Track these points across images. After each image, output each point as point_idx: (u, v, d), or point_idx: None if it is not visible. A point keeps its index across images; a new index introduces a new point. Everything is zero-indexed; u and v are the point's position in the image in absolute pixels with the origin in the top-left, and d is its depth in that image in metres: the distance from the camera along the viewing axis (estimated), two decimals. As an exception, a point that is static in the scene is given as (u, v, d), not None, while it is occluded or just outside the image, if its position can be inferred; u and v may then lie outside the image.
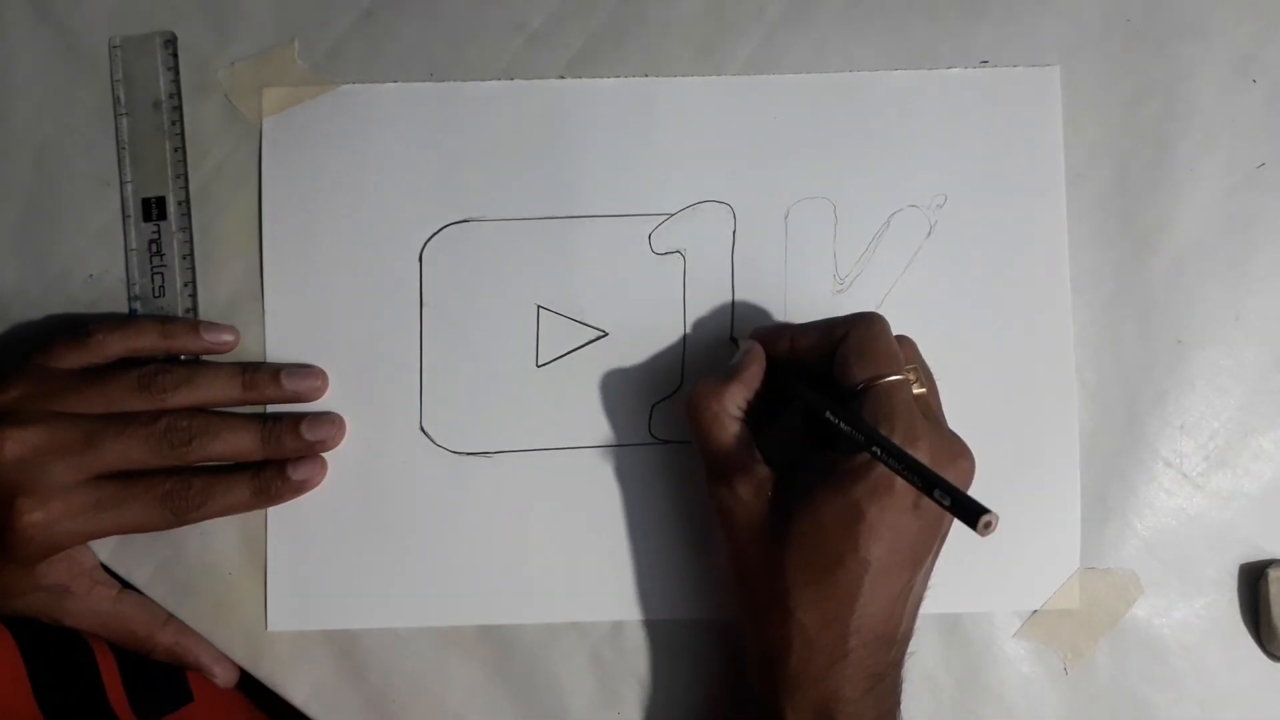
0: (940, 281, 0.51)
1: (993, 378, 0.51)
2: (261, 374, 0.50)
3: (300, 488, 0.50)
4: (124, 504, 0.47)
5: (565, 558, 0.51)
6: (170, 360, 0.50)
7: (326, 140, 0.52)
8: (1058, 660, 0.51)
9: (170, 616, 0.50)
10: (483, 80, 0.52)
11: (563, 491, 0.51)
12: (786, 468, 0.45)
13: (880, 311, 0.50)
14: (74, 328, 0.49)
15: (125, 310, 0.52)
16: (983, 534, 0.36)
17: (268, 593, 0.51)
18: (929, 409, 0.46)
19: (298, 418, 0.50)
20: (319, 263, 0.51)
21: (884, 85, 0.52)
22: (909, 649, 0.46)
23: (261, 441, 0.49)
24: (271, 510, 0.51)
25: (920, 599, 0.46)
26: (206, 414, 0.48)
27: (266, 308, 0.51)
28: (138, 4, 0.52)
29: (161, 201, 0.52)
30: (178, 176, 0.52)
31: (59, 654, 0.49)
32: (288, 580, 0.51)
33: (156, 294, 0.52)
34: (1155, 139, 0.52)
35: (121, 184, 0.52)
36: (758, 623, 0.45)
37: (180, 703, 0.51)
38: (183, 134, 0.52)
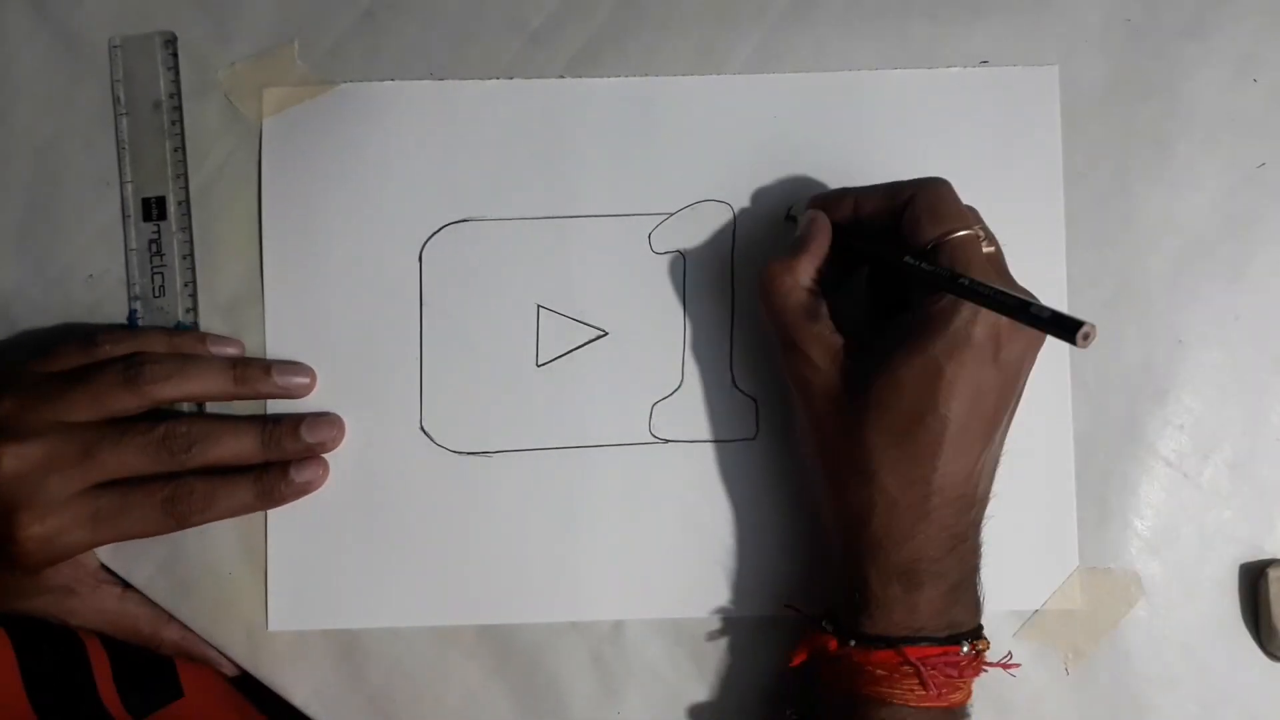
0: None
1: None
2: (252, 368, 0.50)
3: (303, 489, 0.50)
4: (124, 513, 0.46)
5: (565, 558, 0.51)
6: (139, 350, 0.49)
7: (326, 140, 0.52)
8: (1059, 660, 0.51)
9: None
10: (483, 80, 0.52)
11: (563, 491, 0.51)
12: (859, 333, 0.46)
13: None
14: (73, 334, 0.49)
15: (125, 311, 0.52)
16: (1081, 345, 0.36)
17: (268, 593, 0.51)
18: (1001, 268, 0.46)
19: (297, 419, 0.50)
20: (319, 262, 0.51)
21: (883, 84, 0.52)
22: (987, 512, 0.46)
23: (261, 444, 0.49)
24: (271, 510, 0.51)
25: (998, 460, 0.46)
26: (205, 418, 0.48)
27: (266, 307, 0.51)
28: (138, 4, 0.52)
29: (161, 201, 0.52)
30: (178, 176, 0.52)
31: (51, 650, 0.49)
32: (288, 580, 0.51)
33: (156, 294, 0.52)
34: (1155, 139, 0.52)
35: (121, 184, 0.52)
36: (840, 489, 0.45)
37: (170, 698, 0.51)
38: (183, 134, 0.52)
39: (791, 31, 0.52)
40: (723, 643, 0.51)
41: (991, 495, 0.46)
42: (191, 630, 0.51)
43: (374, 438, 0.51)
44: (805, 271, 0.46)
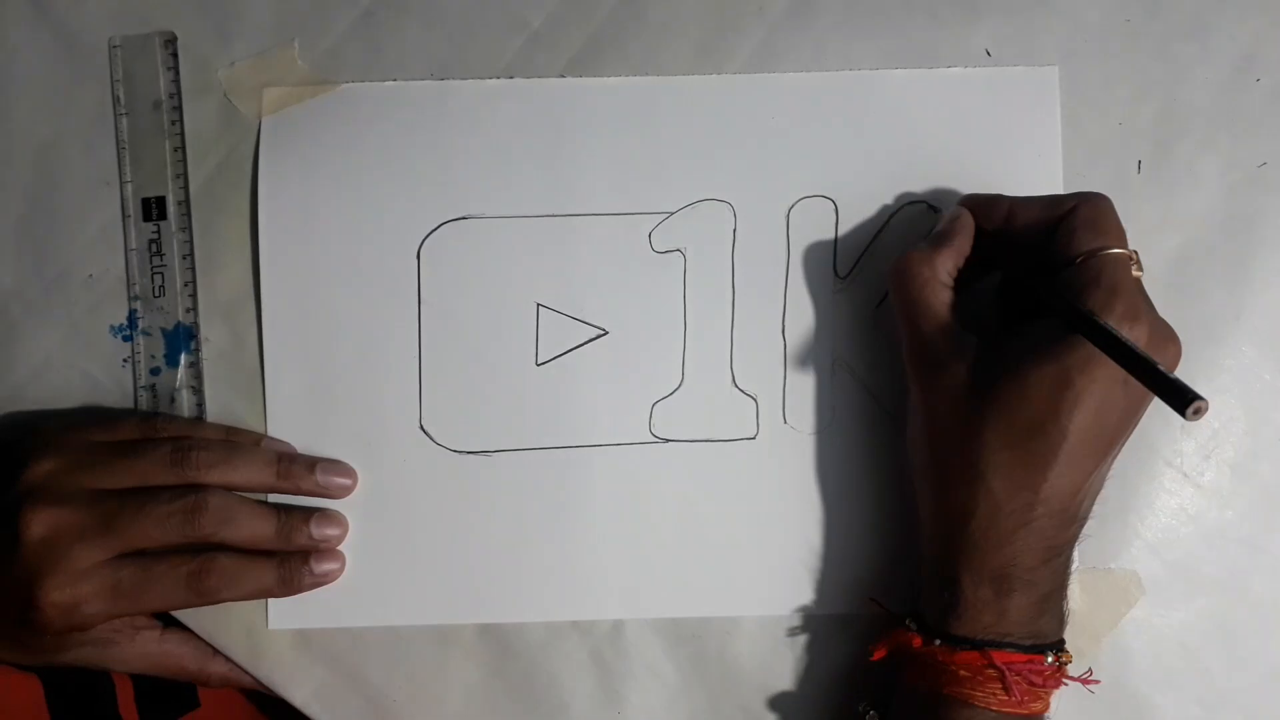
0: (940, 280, 0.51)
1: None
2: (297, 464, 0.50)
3: (322, 580, 0.50)
4: (146, 587, 0.46)
5: (565, 557, 0.51)
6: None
7: (326, 139, 0.52)
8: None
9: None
10: (483, 79, 0.52)
11: (563, 490, 0.51)
12: (991, 333, 0.46)
13: (882, 312, 0.51)
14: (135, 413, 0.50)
15: (126, 311, 0.52)
16: (1190, 419, 0.37)
17: (268, 591, 0.51)
18: (1145, 293, 0.46)
19: (307, 513, 0.50)
20: (317, 261, 0.51)
21: (884, 84, 0.52)
22: (1084, 533, 0.46)
23: (276, 533, 0.49)
24: (271, 510, 0.51)
25: (1101, 485, 0.46)
26: (229, 498, 0.48)
27: (264, 306, 0.51)
28: (138, 4, 0.52)
29: (161, 201, 0.52)
30: (178, 176, 0.52)
31: (75, 671, 0.49)
32: (288, 579, 0.51)
33: (156, 294, 0.52)
34: (1155, 139, 0.52)
35: (121, 184, 0.52)
36: (944, 485, 0.45)
37: (187, 708, 0.52)
38: (183, 134, 0.52)
39: (791, 31, 0.52)
40: (723, 643, 0.51)
41: (1091, 516, 0.46)
42: (236, 664, 0.51)
43: (373, 437, 0.51)
44: (944, 266, 0.46)
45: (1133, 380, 0.42)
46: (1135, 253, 0.45)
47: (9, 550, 0.45)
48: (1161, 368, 0.39)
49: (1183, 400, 0.37)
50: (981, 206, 0.48)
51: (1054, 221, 0.46)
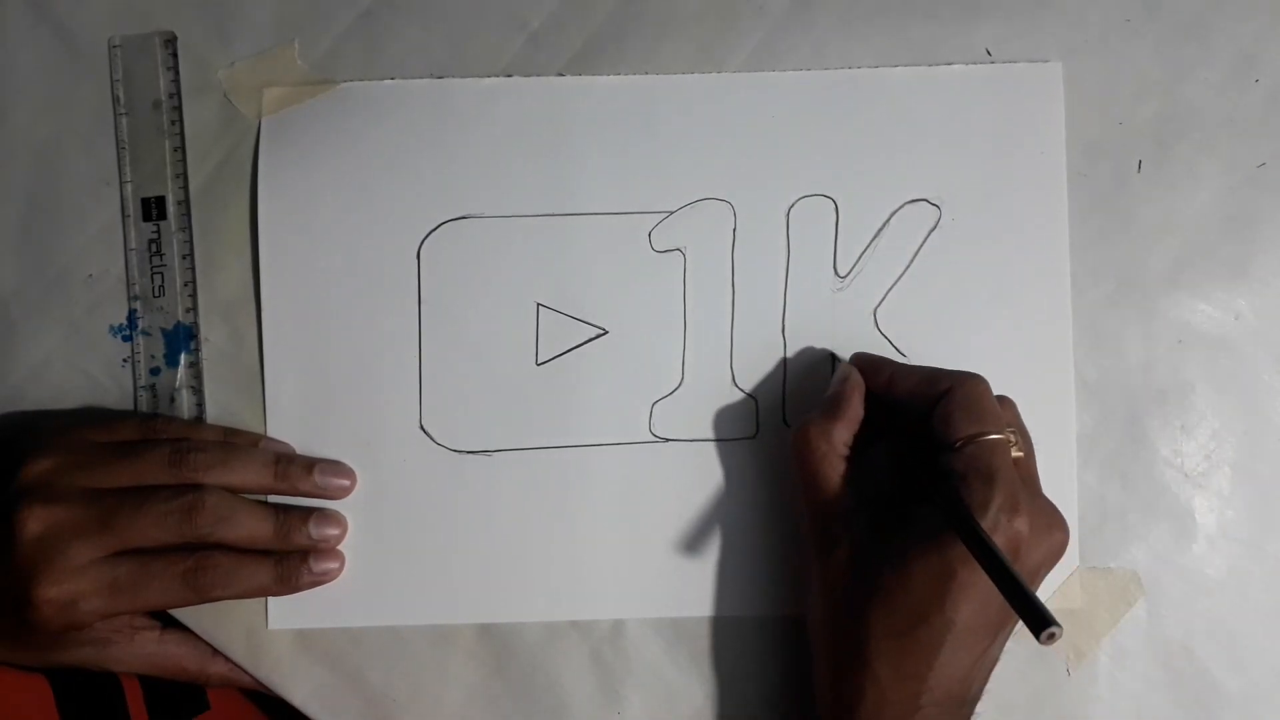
0: (941, 279, 0.51)
1: (991, 376, 0.51)
2: (295, 466, 0.50)
3: (320, 579, 0.50)
4: (143, 584, 0.46)
5: (565, 557, 0.51)
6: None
7: (326, 139, 0.52)
8: (1059, 660, 0.51)
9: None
10: (482, 78, 0.52)
11: (563, 490, 0.51)
12: (880, 510, 0.46)
13: (882, 311, 0.51)
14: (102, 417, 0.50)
15: (125, 311, 0.52)
16: (1044, 643, 0.38)
17: (268, 591, 0.51)
18: (1028, 474, 0.46)
19: (306, 513, 0.50)
20: (317, 260, 0.51)
21: (885, 82, 0.52)
22: (977, 709, 0.46)
23: (274, 532, 0.49)
24: (271, 510, 0.51)
25: (995, 661, 0.46)
26: (227, 497, 0.48)
27: (264, 306, 0.51)
28: (138, 4, 0.52)
29: (161, 201, 0.52)
30: (178, 176, 0.52)
31: (85, 677, 0.49)
32: (287, 579, 0.51)
33: (156, 294, 0.52)
34: (1155, 139, 0.52)
35: (121, 184, 0.52)
36: (833, 669, 0.45)
37: (197, 710, 0.52)
38: (183, 134, 0.52)
39: (791, 31, 0.52)
40: (723, 643, 0.51)
41: (984, 694, 0.46)
42: (236, 664, 0.51)
43: (373, 437, 0.51)
44: (841, 437, 0.47)
45: (1018, 565, 0.42)
46: (1013, 433, 0.45)
47: (5, 548, 0.45)
48: (1024, 583, 0.39)
49: (1038, 623, 0.38)
50: (868, 368, 0.48)
51: (931, 400, 0.46)
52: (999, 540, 0.42)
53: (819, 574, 0.46)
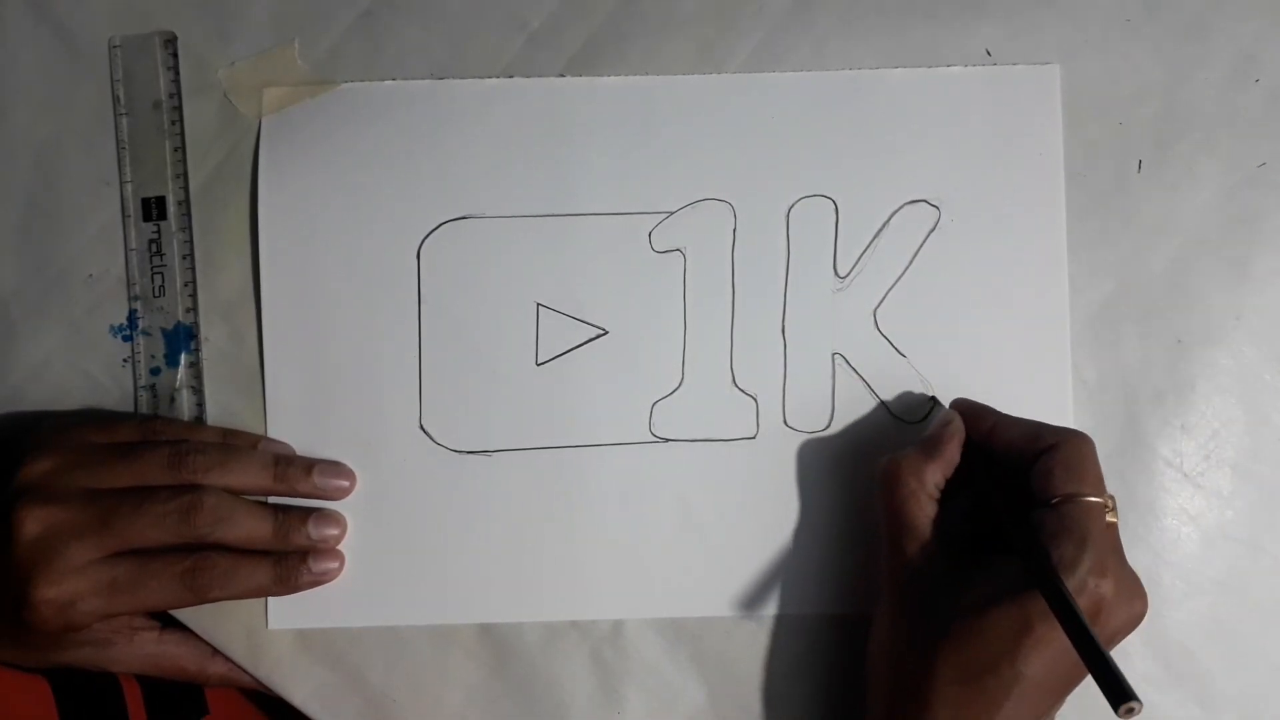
0: (940, 279, 0.51)
1: (991, 376, 0.51)
2: (295, 468, 0.50)
3: (319, 579, 0.50)
4: (142, 583, 0.46)
5: (565, 557, 0.51)
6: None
7: (326, 139, 0.52)
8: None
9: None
10: (482, 79, 0.52)
11: (563, 490, 0.51)
12: (960, 556, 0.45)
13: (882, 312, 0.51)
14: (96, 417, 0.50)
15: (126, 311, 0.52)
16: (1121, 716, 0.37)
17: (268, 591, 0.51)
18: (1117, 543, 0.46)
19: (305, 513, 0.50)
20: (317, 261, 0.51)
21: (884, 83, 0.52)
22: None
23: (274, 533, 0.49)
24: (271, 510, 0.51)
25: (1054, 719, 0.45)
26: (225, 497, 0.48)
27: (264, 306, 0.51)
28: (138, 4, 0.52)
29: (161, 201, 0.52)
30: (178, 176, 0.52)
31: (86, 681, 0.49)
32: (287, 579, 0.51)
33: (156, 294, 0.52)
34: (1155, 139, 0.52)
35: (121, 184, 0.52)
36: (891, 704, 0.45)
37: (197, 714, 0.52)
38: (183, 134, 0.52)
39: (791, 31, 0.52)
40: (723, 643, 0.51)
41: None
42: (235, 663, 0.51)
43: (373, 437, 0.51)
44: (933, 478, 0.46)
45: (1097, 626, 0.42)
46: (1112, 498, 0.45)
47: (4, 548, 0.45)
48: (1103, 649, 0.39)
49: (1119, 696, 0.37)
50: (970, 415, 0.48)
51: (1034, 453, 0.45)
52: (1082, 602, 0.42)
53: (890, 607, 0.46)
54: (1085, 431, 0.46)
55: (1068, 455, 0.45)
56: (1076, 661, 0.41)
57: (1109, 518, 0.45)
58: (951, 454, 0.47)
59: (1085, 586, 0.42)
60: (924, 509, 0.46)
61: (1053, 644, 0.42)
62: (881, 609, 0.47)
